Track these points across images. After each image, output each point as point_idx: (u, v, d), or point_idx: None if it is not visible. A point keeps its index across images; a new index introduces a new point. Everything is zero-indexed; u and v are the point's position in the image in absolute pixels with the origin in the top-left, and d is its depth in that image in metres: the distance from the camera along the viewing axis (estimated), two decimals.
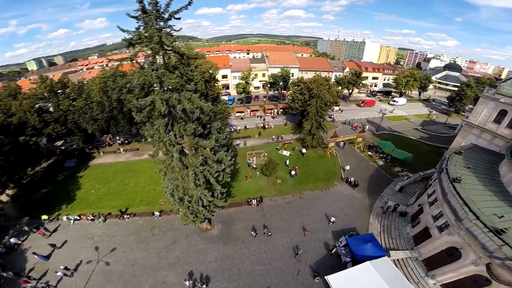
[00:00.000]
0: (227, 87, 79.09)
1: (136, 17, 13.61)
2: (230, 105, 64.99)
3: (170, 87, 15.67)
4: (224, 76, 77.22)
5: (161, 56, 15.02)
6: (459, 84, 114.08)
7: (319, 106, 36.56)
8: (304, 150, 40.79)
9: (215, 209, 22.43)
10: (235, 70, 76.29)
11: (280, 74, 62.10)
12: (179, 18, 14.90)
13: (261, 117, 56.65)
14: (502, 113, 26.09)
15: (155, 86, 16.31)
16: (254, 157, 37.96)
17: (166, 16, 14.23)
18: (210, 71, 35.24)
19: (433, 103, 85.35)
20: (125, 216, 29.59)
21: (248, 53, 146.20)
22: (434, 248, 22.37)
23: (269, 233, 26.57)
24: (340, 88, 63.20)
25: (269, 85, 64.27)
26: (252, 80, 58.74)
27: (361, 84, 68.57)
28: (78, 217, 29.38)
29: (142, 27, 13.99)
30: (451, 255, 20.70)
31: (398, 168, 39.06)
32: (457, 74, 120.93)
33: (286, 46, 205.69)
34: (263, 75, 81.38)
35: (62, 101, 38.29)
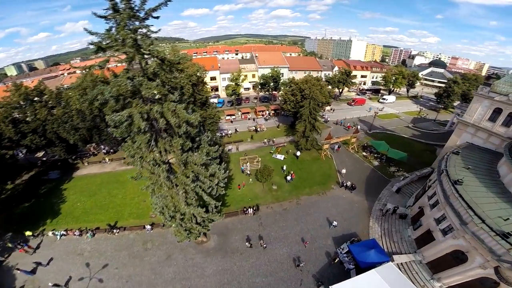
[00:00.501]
0: (216, 89, 77.32)
1: (105, 17, 11.45)
2: (220, 108, 63.44)
3: (150, 98, 13.72)
4: (213, 78, 75.44)
5: (138, 62, 13.01)
6: (445, 80, 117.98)
7: (312, 108, 35.59)
8: (298, 153, 39.83)
9: (210, 223, 20.98)
10: (224, 71, 74.65)
11: (270, 74, 60.91)
12: (157, 17, 12.88)
13: (254, 119, 55.22)
14: (497, 111, 25.96)
15: (133, 96, 14.22)
16: (248, 163, 36.60)
17: (142, 15, 12.21)
18: (198, 74, 33.50)
19: (421, 99, 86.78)
20: (115, 230, 27.97)
21: (236, 54, 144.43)
22: (439, 251, 21.86)
23: (264, 245, 25.35)
24: (330, 87, 62.78)
25: (259, 87, 63.03)
26: (242, 81, 57.24)
27: (351, 83, 68.46)
28: (64, 232, 27.76)
29: (113, 28, 11.93)
30: (456, 258, 20.21)
31: (394, 168, 38.73)
32: (442, 70, 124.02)
33: (274, 46, 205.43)
34: (253, 76, 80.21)
35: (39, 110, 35.54)
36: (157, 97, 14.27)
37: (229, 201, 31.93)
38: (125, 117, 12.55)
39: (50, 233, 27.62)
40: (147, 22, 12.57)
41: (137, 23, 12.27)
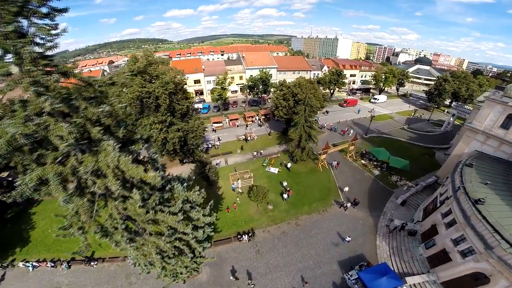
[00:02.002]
0: (201, 93, 72.96)
1: None
2: (205, 114, 59.29)
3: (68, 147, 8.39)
4: (197, 81, 71.02)
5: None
6: (432, 78, 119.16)
7: (308, 115, 32.35)
8: (289, 165, 36.59)
9: (201, 263, 17.29)
10: (209, 74, 70.41)
11: (259, 76, 57.34)
12: (64, 10, 8.08)
13: (246, 126, 50.85)
14: (511, 118, 23.77)
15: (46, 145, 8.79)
16: (239, 180, 32.96)
17: (43, 10, 7.64)
18: (176, 81, 29.19)
19: (411, 98, 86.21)
20: (92, 263, 24.46)
21: (222, 55, 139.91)
22: (456, 272, 19.69)
23: (253, 285, 21.96)
24: (322, 88, 60.10)
25: (247, 90, 59.43)
26: (229, 85, 53.27)
27: (342, 84, 66.16)
28: (36, 264, 24.38)
29: None
30: (476, 279, 18.15)
31: (396, 177, 36.24)
32: (427, 67, 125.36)
33: (261, 45, 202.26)
34: (240, 77, 76.44)
35: None
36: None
37: (221, 225, 28.20)
38: (35, 179, 7.91)
39: (20, 264, 24.52)
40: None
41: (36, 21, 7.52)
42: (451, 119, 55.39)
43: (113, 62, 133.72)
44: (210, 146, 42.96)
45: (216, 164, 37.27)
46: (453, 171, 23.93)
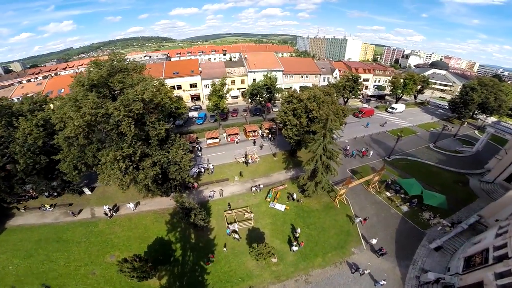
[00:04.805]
0: (198, 98, 65.38)
1: None
2: (200, 124, 51.58)
3: None
4: (193, 85, 63.43)
5: None
6: (449, 83, 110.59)
7: (329, 142, 24.49)
8: (300, 199, 29.33)
9: None
10: (207, 77, 62.77)
11: (263, 83, 49.50)
12: None
13: (254, 143, 42.80)
14: None
15: None
16: (236, 222, 25.47)
17: None
18: (146, 97, 19.48)
19: (429, 106, 77.98)
20: None
21: (224, 55, 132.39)
22: None
23: None
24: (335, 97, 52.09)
25: (249, 100, 51.77)
26: (227, 92, 45.46)
27: (359, 91, 58.03)
28: None
29: None
30: None
31: (428, 214, 29.06)
32: (443, 72, 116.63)
33: (265, 45, 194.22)
34: (242, 81, 68.75)
35: None
36: None
37: (212, 281, 21.88)
38: None
39: None
40: None
41: None
42: (485, 137, 47.03)
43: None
44: (203, 170, 34.89)
45: (209, 196, 29.84)
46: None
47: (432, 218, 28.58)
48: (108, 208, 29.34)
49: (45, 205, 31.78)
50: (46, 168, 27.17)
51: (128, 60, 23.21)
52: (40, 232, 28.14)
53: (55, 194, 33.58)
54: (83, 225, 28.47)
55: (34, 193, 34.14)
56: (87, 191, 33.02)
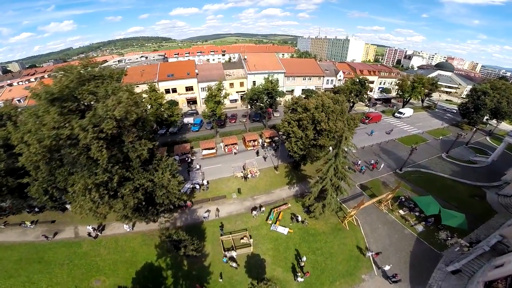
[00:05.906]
0: (194, 102, 62.14)
1: None
2: (195, 131, 48.38)
3: None
4: (189, 88, 60.19)
5: None
6: (455, 85, 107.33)
7: (341, 162, 21.25)
8: (305, 221, 26.20)
9: None
10: (204, 79, 59.61)
11: (263, 88, 46.23)
12: None
13: (257, 154, 39.49)
14: None
15: None
16: (233, 250, 22.37)
17: None
18: (116, 114, 15.29)
19: (436, 110, 74.78)
20: None
21: (223, 55, 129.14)
22: None
23: None
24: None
25: (249, 105, 48.60)
26: (225, 97, 42.22)
27: (366, 95, 54.66)
28: None
29: None
30: None
31: (444, 233, 26.28)
32: (449, 74, 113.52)
33: (266, 46, 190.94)
34: (241, 84, 65.48)
35: None
36: None
37: None
38: None
39: None
40: None
41: None
42: (502, 147, 43.77)
43: (106, 62, 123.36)
44: (197, 186, 31.41)
45: (204, 217, 26.69)
46: None
47: (449, 238, 25.78)
48: (93, 228, 26.69)
49: (26, 222, 28.98)
50: (20, 187, 24.12)
51: (115, 65, 20.14)
52: (20, 251, 25.82)
53: (37, 209, 30.64)
54: (66, 246, 26.01)
55: (14, 208, 31.24)
56: (70, 207, 29.98)
